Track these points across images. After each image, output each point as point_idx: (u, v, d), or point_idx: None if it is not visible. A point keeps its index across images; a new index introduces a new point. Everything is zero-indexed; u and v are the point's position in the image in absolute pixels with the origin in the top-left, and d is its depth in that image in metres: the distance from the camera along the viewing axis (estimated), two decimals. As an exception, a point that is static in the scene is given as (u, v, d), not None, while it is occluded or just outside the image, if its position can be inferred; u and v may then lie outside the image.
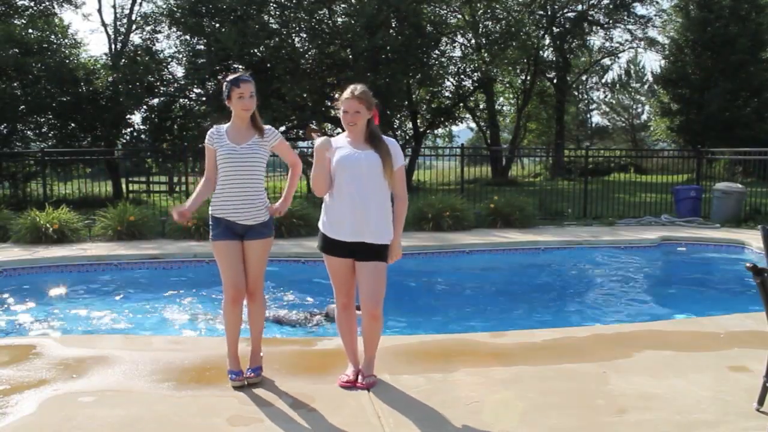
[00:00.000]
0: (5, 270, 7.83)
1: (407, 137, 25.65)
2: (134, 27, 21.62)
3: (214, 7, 18.40)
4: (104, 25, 22.56)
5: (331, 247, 3.65)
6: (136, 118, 20.92)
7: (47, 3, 20.53)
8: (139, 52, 20.13)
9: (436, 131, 28.81)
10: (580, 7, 28.18)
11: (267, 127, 3.80)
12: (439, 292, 7.11)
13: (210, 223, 3.79)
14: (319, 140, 3.54)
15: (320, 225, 3.72)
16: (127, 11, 21.99)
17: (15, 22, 18.83)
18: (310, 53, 19.42)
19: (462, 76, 23.50)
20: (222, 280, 3.74)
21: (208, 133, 3.76)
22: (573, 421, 3.24)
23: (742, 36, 22.33)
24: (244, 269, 3.74)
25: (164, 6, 19.91)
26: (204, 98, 19.82)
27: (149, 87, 19.38)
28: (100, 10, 23.20)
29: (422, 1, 18.88)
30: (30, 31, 18.51)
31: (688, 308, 6.58)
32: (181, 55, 20.41)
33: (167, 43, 33.83)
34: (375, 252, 3.58)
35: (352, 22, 18.72)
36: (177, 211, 3.75)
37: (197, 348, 4.46)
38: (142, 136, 20.47)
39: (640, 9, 28.67)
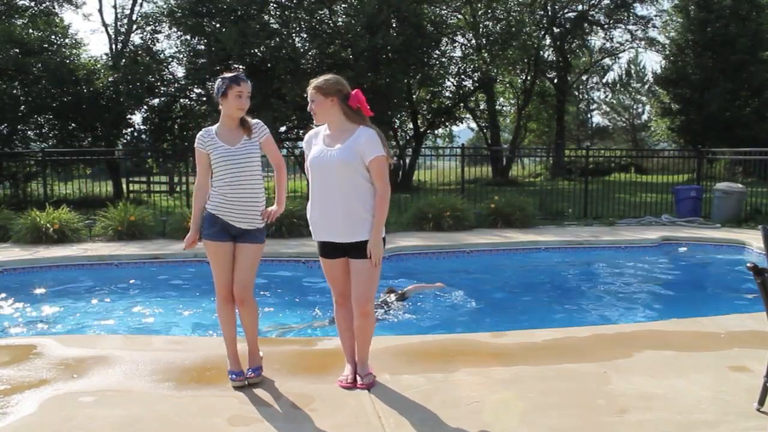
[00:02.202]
0: (6, 270, 7.83)
1: (408, 137, 25.69)
2: (135, 27, 21.63)
3: (214, 7, 18.41)
4: (105, 25, 22.61)
5: (324, 248, 3.65)
6: (137, 118, 20.95)
7: (48, 3, 20.53)
8: (140, 52, 20.13)
9: (436, 131, 28.84)
10: (580, 7, 28.20)
11: (254, 121, 3.76)
12: (439, 291, 7.10)
13: (205, 221, 3.73)
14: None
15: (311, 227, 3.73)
16: (127, 11, 22.04)
17: (15, 22, 18.83)
18: (310, 53, 19.42)
19: (462, 76, 23.52)
20: (214, 280, 3.73)
21: (198, 136, 3.69)
22: (573, 421, 3.24)
23: (742, 36, 22.33)
24: (233, 271, 3.70)
25: (164, 6, 19.91)
26: (204, 98, 19.83)
27: (150, 87, 19.38)
28: (100, 10, 23.27)
29: (423, 1, 18.88)
30: (30, 31, 18.51)
31: (689, 308, 6.58)
32: (181, 55, 20.43)
33: (167, 43, 33.69)
34: (365, 250, 3.53)
35: (353, 22, 18.73)
36: (187, 243, 3.77)
37: (197, 348, 4.46)
38: (143, 136, 20.48)
39: (640, 9, 28.69)
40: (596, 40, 35.44)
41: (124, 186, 18.47)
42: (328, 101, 3.50)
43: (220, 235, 3.67)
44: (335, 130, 3.55)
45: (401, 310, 6.32)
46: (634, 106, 40.96)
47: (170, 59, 20.62)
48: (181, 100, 21.03)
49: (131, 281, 7.70)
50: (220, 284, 3.71)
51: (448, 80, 22.82)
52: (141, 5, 22.09)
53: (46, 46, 18.36)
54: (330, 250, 3.62)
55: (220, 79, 3.65)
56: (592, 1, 28.24)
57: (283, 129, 20.74)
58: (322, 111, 3.53)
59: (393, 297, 6.54)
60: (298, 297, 6.98)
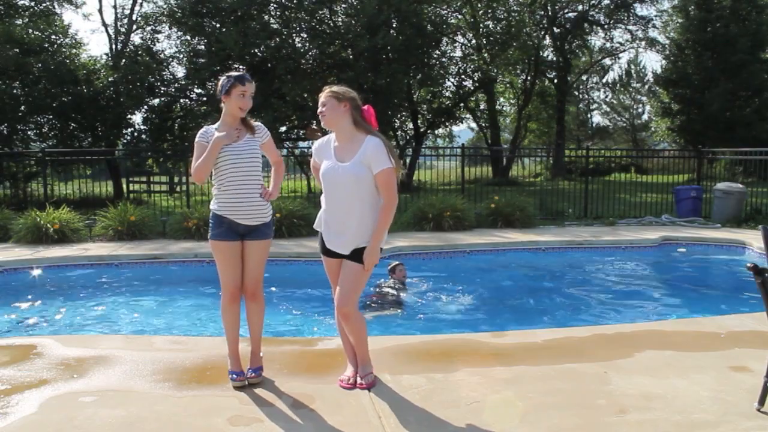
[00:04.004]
0: (6, 270, 7.83)
1: (408, 137, 25.71)
2: (135, 27, 21.66)
3: (214, 7, 18.41)
4: (105, 25, 22.65)
5: (325, 246, 3.68)
6: (137, 118, 20.98)
7: (48, 3, 20.55)
8: (140, 53, 20.14)
9: (436, 131, 28.84)
10: (580, 8, 28.21)
11: (257, 124, 3.80)
12: (439, 291, 7.11)
13: (211, 221, 3.75)
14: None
15: (315, 225, 3.75)
16: (127, 11, 22.08)
17: (16, 22, 18.84)
18: (311, 53, 19.43)
19: (462, 77, 23.54)
20: (221, 279, 3.73)
21: (200, 132, 3.71)
22: (574, 420, 3.24)
23: (742, 36, 22.33)
24: (242, 269, 3.73)
25: (165, 6, 19.92)
26: (204, 98, 19.84)
27: (150, 87, 19.39)
28: (100, 10, 23.33)
29: (423, 1, 18.89)
30: (30, 31, 18.52)
31: (689, 308, 6.58)
32: (181, 56, 20.44)
33: (168, 43, 33.89)
34: (360, 254, 3.55)
35: (353, 22, 18.73)
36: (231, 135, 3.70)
37: (198, 348, 4.46)
38: (143, 136, 20.49)
39: (640, 9, 28.74)
40: (596, 40, 35.61)
41: (124, 186, 18.48)
42: (341, 106, 3.52)
43: (227, 234, 3.68)
44: (344, 140, 3.56)
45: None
46: (634, 106, 41.02)
47: (170, 59, 20.64)
48: (181, 100, 21.04)
49: (131, 281, 7.70)
50: (228, 283, 3.71)
51: (448, 80, 22.84)
52: (141, 5, 22.15)
53: (46, 46, 18.37)
54: (329, 250, 3.65)
55: (225, 77, 3.67)
56: (593, 1, 28.25)
57: (283, 129, 20.75)
58: (333, 115, 3.53)
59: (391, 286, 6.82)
60: (297, 297, 6.98)
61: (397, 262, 7.12)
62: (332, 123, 3.57)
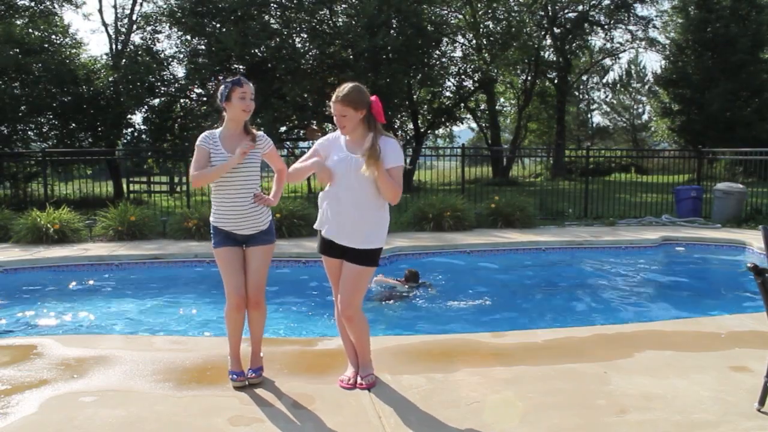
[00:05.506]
0: (6, 270, 7.83)
1: (408, 137, 25.71)
2: (135, 27, 21.64)
3: (214, 7, 18.42)
4: (105, 25, 22.63)
5: (324, 246, 3.66)
6: (137, 118, 20.98)
7: (48, 3, 20.55)
8: (140, 52, 20.13)
9: (436, 131, 28.85)
10: (580, 8, 28.22)
11: (258, 133, 3.78)
12: (439, 292, 7.11)
13: (211, 232, 3.78)
14: (318, 165, 3.56)
15: (316, 225, 3.74)
16: (127, 11, 22.07)
17: (15, 22, 18.85)
18: (311, 53, 19.44)
19: (463, 77, 23.54)
20: (224, 286, 3.72)
21: (202, 136, 3.69)
22: (574, 421, 3.24)
23: (742, 36, 22.34)
24: (245, 275, 3.73)
25: (165, 6, 19.92)
26: (205, 98, 19.85)
27: (150, 87, 19.39)
28: (100, 10, 23.29)
29: (423, 1, 18.89)
30: (30, 31, 18.52)
31: (689, 308, 6.57)
32: (181, 55, 20.44)
33: (168, 43, 33.92)
34: (360, 255, 3.54)
35: (353, 22, 18.74)
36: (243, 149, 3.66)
37: (198, 348, 4.46)
38: (143, 136, 20.50)
39: (640, 9, 28.77)
40: (596, 41, 35.66)
41: (125, 186, 18.48)
42: (359, 115, 3.49)
43: (227, 241, 3.70)
44: (358, 137, 3.55)
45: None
46: (635, 106, 41.05)
47: (170, 59, 20.63)
48: (182, 100, 21.04)
49: (131, 281, 7.70)
50: (231, 290, 3.69)
51: (449, 80, 22.85)
52: (141, 5, 22.14)
53: (46, 46, 18.38)
54: (328, 247, 3.64)
55: (222, 85, 3.66)
56: (593, 2, 28.26)
57: (283, 129, 20.76)
58: (353, 125, 3.51)
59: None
60: (297, 297, 6.98)
61: (414, 273, 7.17)
62: (351, 131, 3.55)
